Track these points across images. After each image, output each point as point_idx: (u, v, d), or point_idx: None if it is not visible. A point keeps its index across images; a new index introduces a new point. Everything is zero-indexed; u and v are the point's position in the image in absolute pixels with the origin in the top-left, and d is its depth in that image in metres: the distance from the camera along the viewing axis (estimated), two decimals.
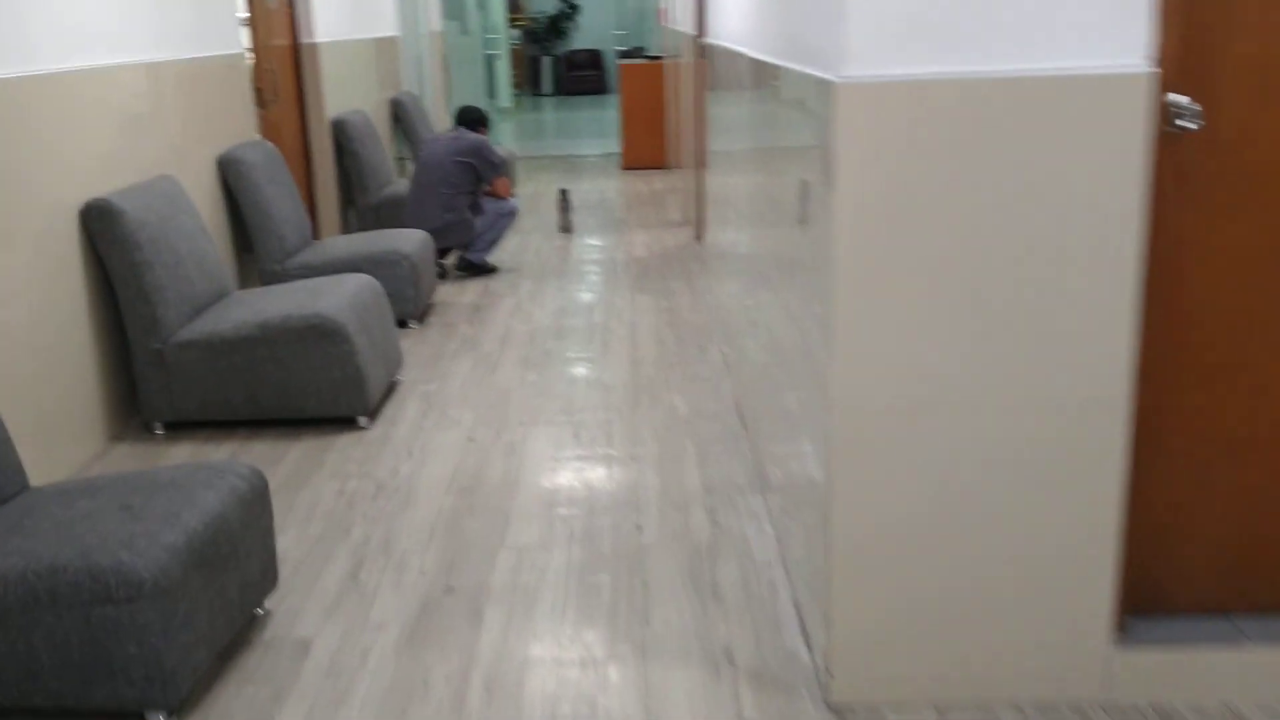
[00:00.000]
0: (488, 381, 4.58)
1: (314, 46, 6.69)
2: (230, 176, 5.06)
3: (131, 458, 3.89)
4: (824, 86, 2.19)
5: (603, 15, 21.45)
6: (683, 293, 5.88)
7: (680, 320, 5.37)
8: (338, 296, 4.12)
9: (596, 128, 15.37)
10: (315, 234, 6.87)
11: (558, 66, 21.81)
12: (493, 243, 6.57)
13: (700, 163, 6.79)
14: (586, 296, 5.87)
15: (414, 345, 5.10)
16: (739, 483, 3.53)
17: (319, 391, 4.01)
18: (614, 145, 12.22)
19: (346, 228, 7.12)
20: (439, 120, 10.92)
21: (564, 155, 12.16)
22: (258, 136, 5.60)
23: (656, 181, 9.92)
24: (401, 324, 5.36)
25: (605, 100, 19.80)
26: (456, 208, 6.30)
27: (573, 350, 4.96)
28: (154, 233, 3.94)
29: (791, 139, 2.73)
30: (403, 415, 4.21)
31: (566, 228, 7.62)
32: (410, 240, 5.45)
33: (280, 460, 3.81)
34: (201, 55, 4.91)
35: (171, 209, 4.15)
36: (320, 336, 3.95)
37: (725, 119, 4.66)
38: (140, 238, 3.88)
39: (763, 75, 3.25)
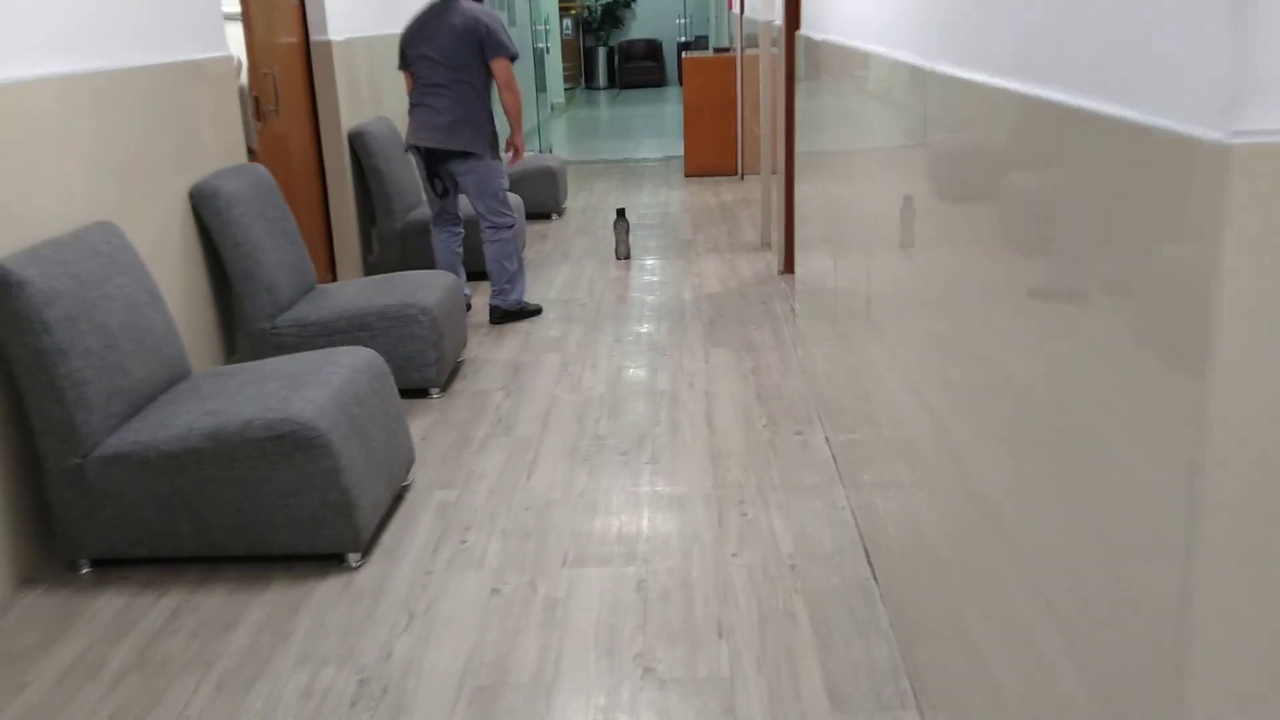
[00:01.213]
0: (524, 488, 3.50)
1: (328, 45, 5.66)
2: (205, 213, 4.03)
3: (45, 609, 2.87)
4: (1186, 147, 1.07)
5: (662, 2, 20.28)
6: (768, 347, 4.76)
7: (769, 389, 4.25)
8: (322, 388, 3.06)
9: (655, 126, 14.24)
10: (332, 270, 5.84)
11: (613, 58, 20.69)
12: (515, 274, 5.36)
13: (784, 173, 5.67)
14: (649, 352, 4.78)
15: (433, 425, 4.03)
16: (883, 693, 2.41)
17: (293, 522, 2.95)
18: (675, 147, 11.11)
19: (367, 259, 6.09)
20: None
21: (620, 160, 11.06)
22: (246, 158, 4.57)
23: (725, 191, 8.78)
24: (421, 393, 4.30)
25: (664, 94, 18.66)
26: (466, 100, 5.07)
27: (633, 436, 3.87)
28: (71, 308, 2.91)
29: (1064, 188, 1.61)
30: (408, 545, 3.14)
31: (624, 254, 6.52)
32: (433, 288, 4.38)
33: (232, 626, 2.76)
34: (165, 60, 3.88)
35: (104, 270, 3.12)
36: (293, 449, 2.89)
37: (839, 128, 3.53)
38: (50, 316, 2.84)
39: (976, 101, 2.13)
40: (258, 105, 4.98)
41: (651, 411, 4.09)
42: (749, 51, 8.39)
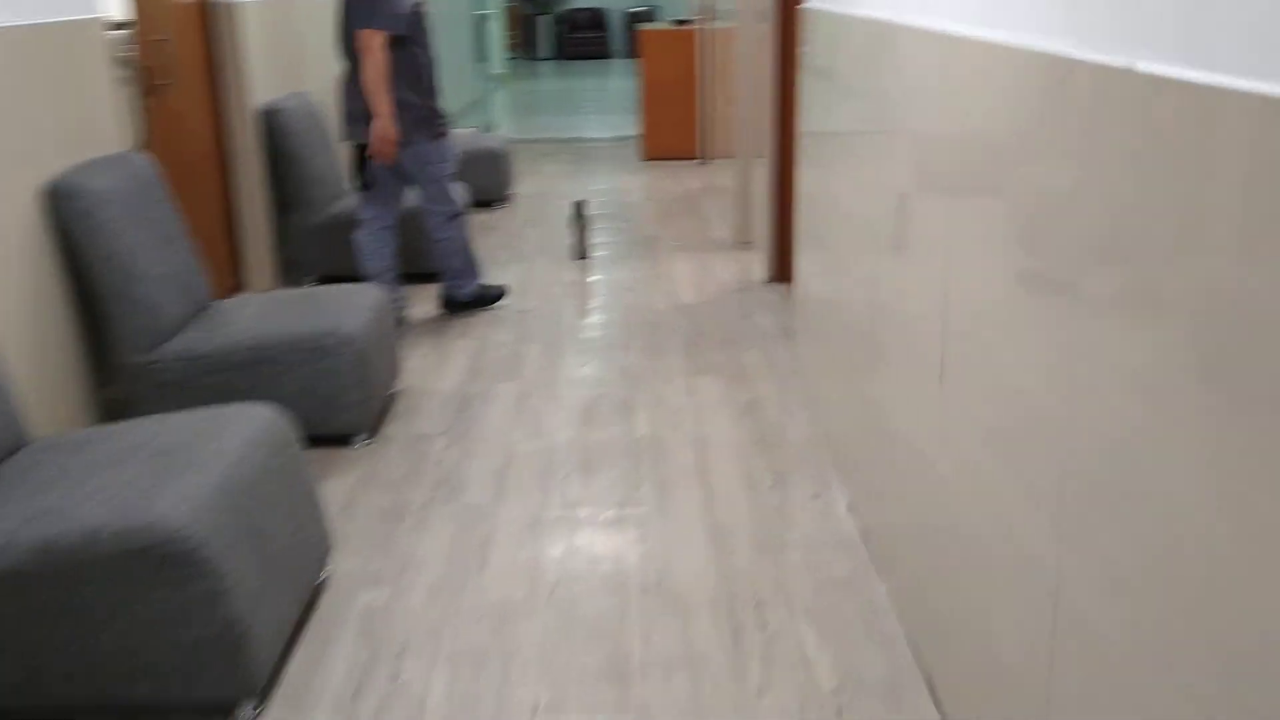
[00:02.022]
0: (475, 584, 2.71)
1: (231, 5, 4.76)
2: (65, 219, 3.16)
3: None
4: None
5: None
6: (762, 374, 4.00)
7: (770, 433, 3.50)
8: (200, 473, 2.23)
9: (604, 102, 13.40)
10: (236, 277, 4.96)
11: (556, 27, 19.74)
12: (469, 263, 4.77)
13: (777, 160, 4.90)
14: (621, 381, 4.00)
15: (357, 487, 3.22)
16: None
17: (160, 666, 2.14)
18: (628, 126, 10.24)
19: (280, 262, 5.21)
20: None
21: (570, 139, 10.21)
22: (127, 145, 3.69)
23: (688, 178, 8.00)
24: (342, 441, 3.48)
25: (610, 67, 17.78)
26: (357, 92, 4.42)
27: (612, 502, 3.10)
28: None
29: None
30: (321, 684, 2.34)
31: (582, 253, 5.72)
32: (358, 308, 3.56)
33: None
34: (13, 22, 2.99)
35: None
36: (157, 569, 2.08)
37: (879, 107, 2.77)
38: None
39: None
40: (147, 77, 4.09)
41: (631, 467, 3.31)
42: (717, 25, 7.59)
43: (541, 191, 7.54)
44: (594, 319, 4.70)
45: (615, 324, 4.62)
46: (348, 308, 3.55)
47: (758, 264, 5.38)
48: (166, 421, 2.53)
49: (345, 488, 3.21)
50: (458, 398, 3.88)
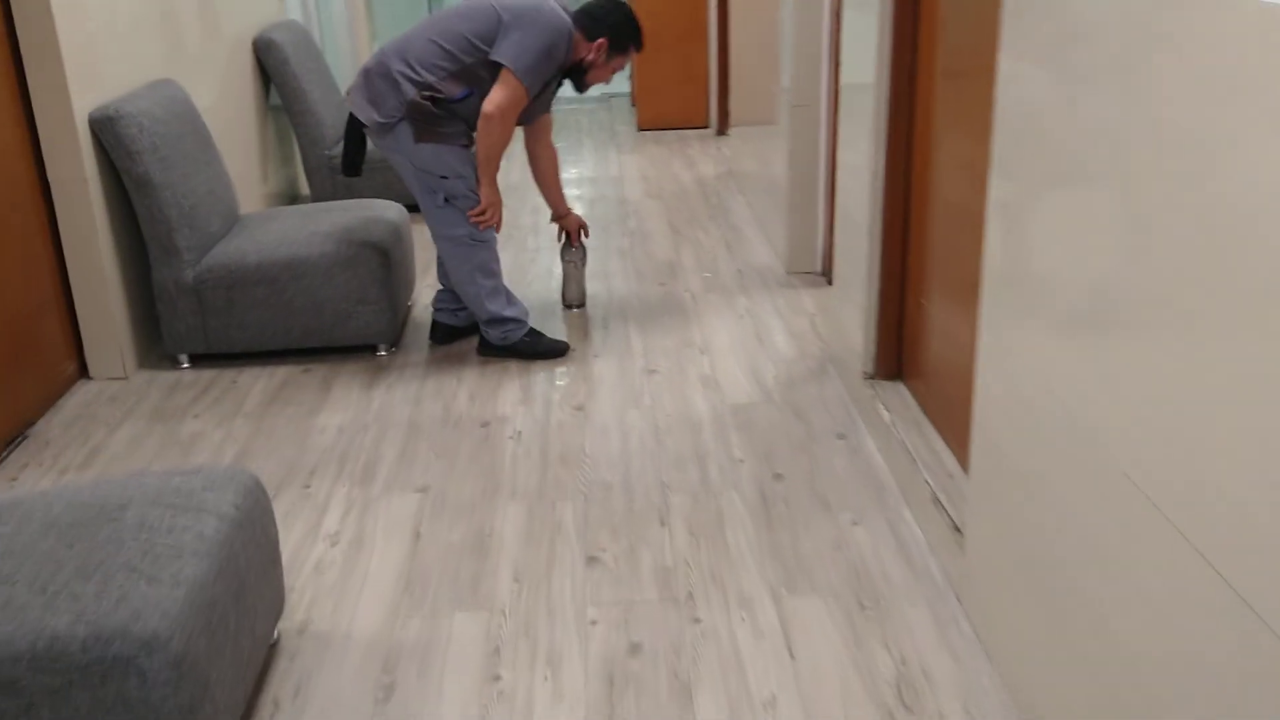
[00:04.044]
0: None
1: None
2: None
3: None
4: None
5: None
6: (899, 590, 2.41)
7: None
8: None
9: None
10: (77, 365, 3.32)
11: None
12: (504, 304, 3.57)
13: (894, 144, 3.19)
14: (662, 609, 2.39)
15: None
16: None
17: None
18: (619, 77, 8.46)
19: (145, 335, 3.57)
20: (357, 62, 7.29)
21: None
22: None
23: (699, 156, 6.32)
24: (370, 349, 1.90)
25: None
26: (404, 91, 3.30)
27: None
28: None
29: None
30: None
31: (577, 299, 4.09)
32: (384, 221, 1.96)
33: None
34: None
35: None
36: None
37: None
38: None
39: None
40: None
41: None
42: None
43: (513, 184, 5.77)
44: (601, 453, 3.07)
45: (635, 464, 2.97)
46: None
47: (842, 320, 3.75)
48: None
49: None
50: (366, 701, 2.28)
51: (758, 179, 5.37)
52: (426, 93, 3.23)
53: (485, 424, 3.18)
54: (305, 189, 5.35)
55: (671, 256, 4.61)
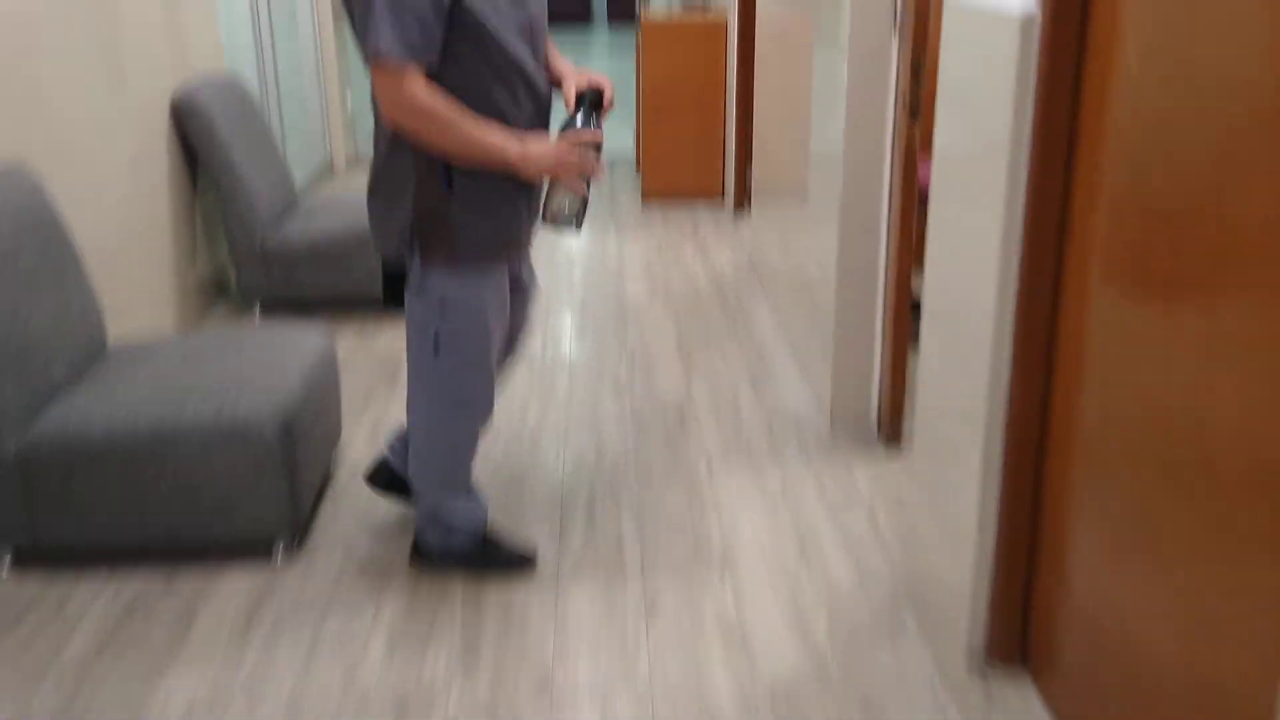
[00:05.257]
0: None
1: None
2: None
3: None
4: None
5: None
6: None
7: None
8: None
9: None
10: None
11: None
12: (459, 500, 2.57)
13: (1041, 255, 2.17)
14: None
15: None
16: None
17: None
18: (622, 131, 7.42)
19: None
20: (325, 114, 6.35)
21: None
22: None
23: (712, 239, 5.33)
24: None
25: (593, 35, 14.89)
26: (392, 180, 2.28)
27: None
28: None
29: None
30: None
31: (568, 216, 2.56)
32: None
33: None
34: None
35: None
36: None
37: None
38: None
39: None
40: None
41: None
42: (768, 9, 4.85)
43: None
44: None
45: None
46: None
47: (922, 526, 2.71)
48: None
49: None
50: None
51: (786, 277, 4.37)
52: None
53: (402, 707, 2.15)
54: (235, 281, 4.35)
55: (681, 395, 3.59)
